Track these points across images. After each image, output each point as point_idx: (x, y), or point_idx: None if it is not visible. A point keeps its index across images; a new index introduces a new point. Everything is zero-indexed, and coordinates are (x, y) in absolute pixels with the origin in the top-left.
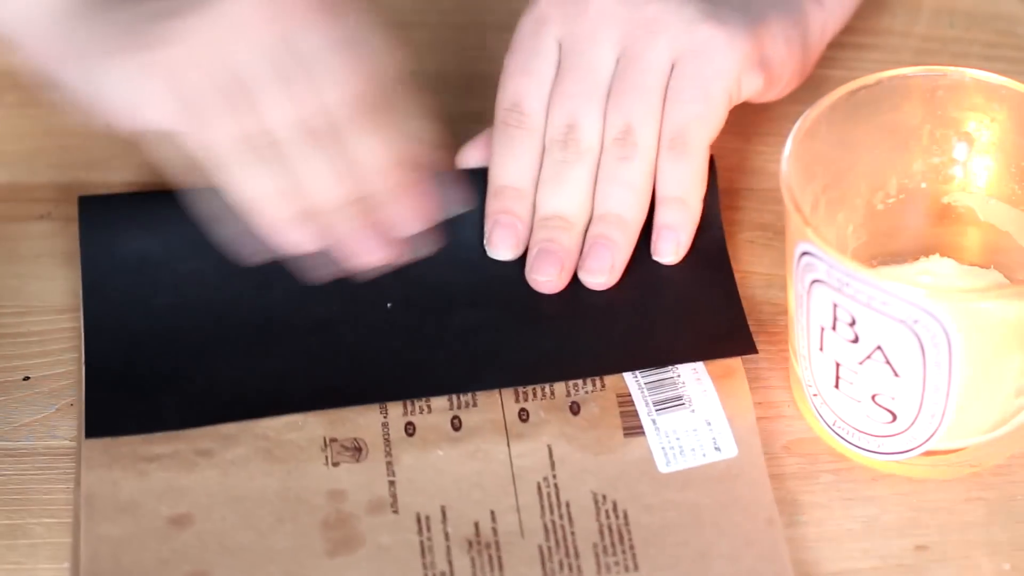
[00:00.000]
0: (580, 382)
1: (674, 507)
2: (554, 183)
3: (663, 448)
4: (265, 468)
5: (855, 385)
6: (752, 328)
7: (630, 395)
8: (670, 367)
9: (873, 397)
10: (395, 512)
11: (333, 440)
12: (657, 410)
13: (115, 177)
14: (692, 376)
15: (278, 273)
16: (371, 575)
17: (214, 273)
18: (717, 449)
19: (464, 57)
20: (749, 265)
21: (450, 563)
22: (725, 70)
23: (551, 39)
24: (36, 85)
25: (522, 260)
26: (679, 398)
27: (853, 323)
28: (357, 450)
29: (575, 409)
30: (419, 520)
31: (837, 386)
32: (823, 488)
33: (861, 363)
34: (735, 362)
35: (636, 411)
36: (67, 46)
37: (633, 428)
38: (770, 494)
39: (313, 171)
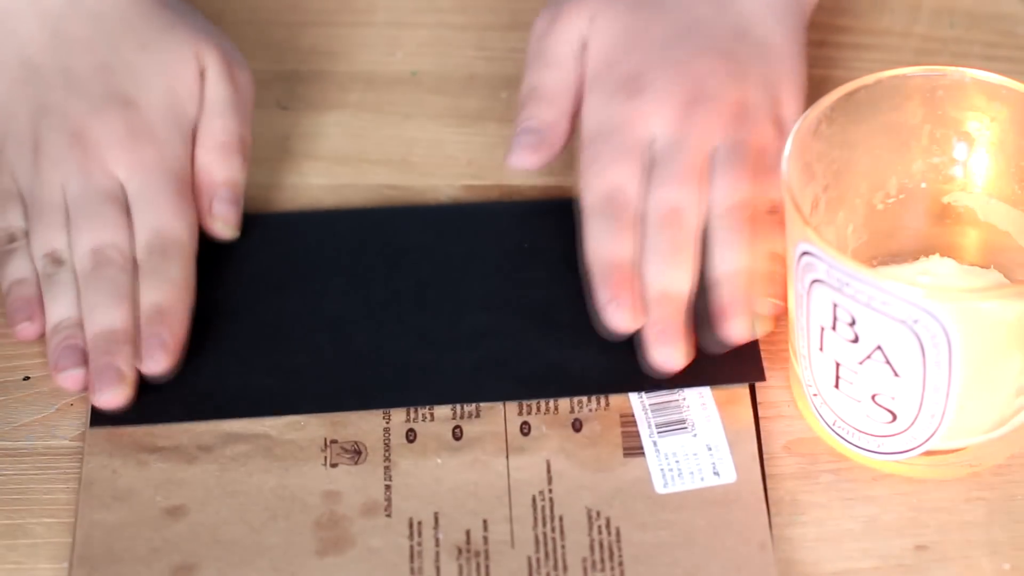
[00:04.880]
0: (584, 399)
1: (667, 526)
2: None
3: (662, 470)
4: (263, 465)
5: (855, 385)
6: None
7: (633, 415)
8: (676, 390)
9: (873, 397)
10: (388, 515)
11: (333, 442)
12: (659, 432)
13: None
14: (697, 400)
15: (292, 279)
16: None
17: (230, 277)
18: (716, 474)
19: (464, 57)
20: None
21: (438, 569)
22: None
23: None
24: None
25: (535, 267)
26: (682, 421)
27: (853, 323)
28: (356, 453)
29: (577, 426)
30: (411, 525)
31: (837, 386)
32: (823, 488)
33: (861, 363)
34: (742, 389)
35: (638, 431)
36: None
37: (633, 448)
38: (765, 519)
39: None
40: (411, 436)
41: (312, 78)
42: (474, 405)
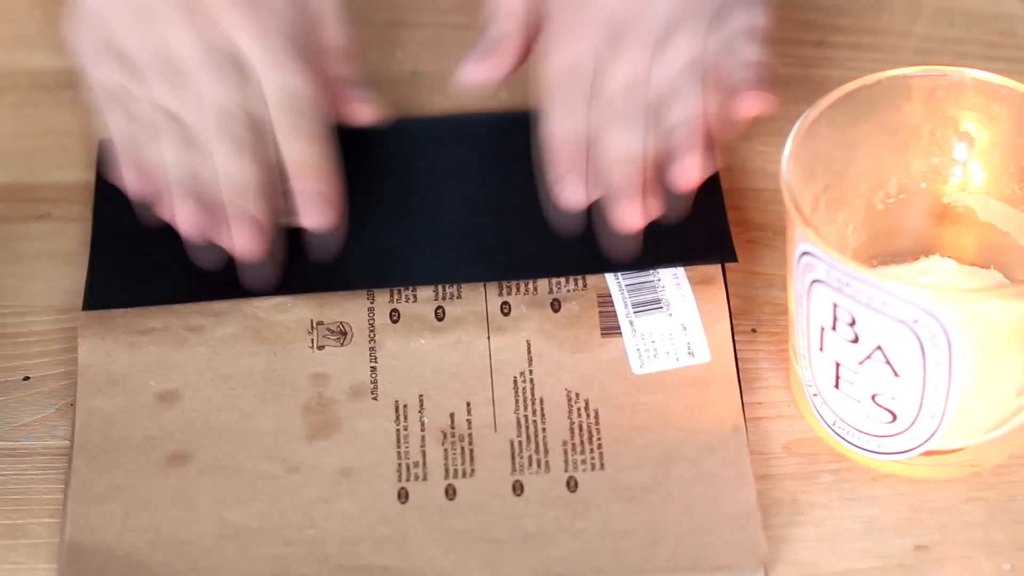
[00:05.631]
0: (563, 280)
1: (644, 408)
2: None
3: (638, 350)
4: (252, 348)
5: (855, 385)
6: (752, 328)
7: (610, 296)
8: (651, 270)
9: (873, 397)
10: (374, 399)
11: (320, 323)
12: (635, 312)
13: None
14: (672, 281)
15: None
16: (347, 460)
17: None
18: (691, 354)
19: (464, 57)
20: (749, 265)
21: (424, 452)
22: None
23: None
24: (36, 85)
25: (517, 167)
26: (657, 301)
27: (853, 323)
28: (342, 334)
29: (556, 306)
30: (397, 408)
31: (837, 386)
32: (823, 488)
33: (861, 363)
34: (714, 270)
35: (615, 311)
36: None
37: (610, 328)
38: (738, 401)
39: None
40: (395, 316)
41: None
42: (455, 287)
